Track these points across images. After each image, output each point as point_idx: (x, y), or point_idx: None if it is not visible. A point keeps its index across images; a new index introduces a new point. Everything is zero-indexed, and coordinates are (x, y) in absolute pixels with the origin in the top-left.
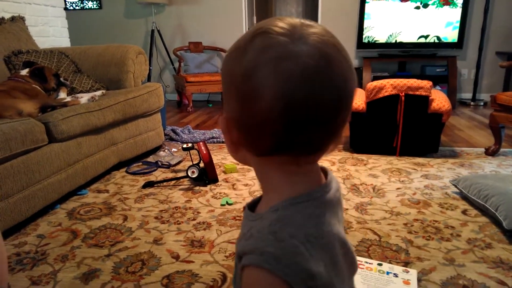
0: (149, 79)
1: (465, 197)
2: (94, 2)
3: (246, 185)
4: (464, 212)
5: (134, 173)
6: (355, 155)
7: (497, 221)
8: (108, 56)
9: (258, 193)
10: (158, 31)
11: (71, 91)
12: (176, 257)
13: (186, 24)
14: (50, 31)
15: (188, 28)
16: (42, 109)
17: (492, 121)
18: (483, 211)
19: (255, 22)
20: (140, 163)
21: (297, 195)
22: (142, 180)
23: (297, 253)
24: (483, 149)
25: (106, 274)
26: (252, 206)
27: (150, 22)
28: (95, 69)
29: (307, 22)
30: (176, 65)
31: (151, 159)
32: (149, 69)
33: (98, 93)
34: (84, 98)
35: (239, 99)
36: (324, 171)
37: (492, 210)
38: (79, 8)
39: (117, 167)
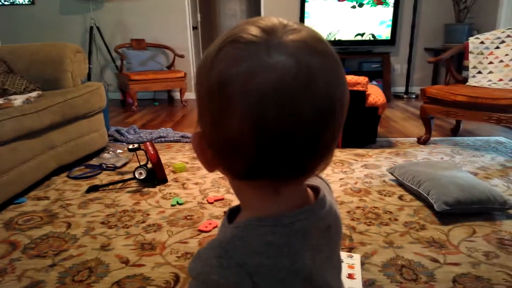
0: (89, 78)
1: (401, 184)
2: None
3: (196, 183)
4: (400, 197)
5: (76, 178)
6: None
7: (429, 205)
8: (43, 55)
9: (209, 191)
10: (97, 28)
11: (3, 93)
12: (126, 262)
13: (127, 21)
14: None
15: (130, 24)
16: None
17: (422, 113)
18: (417, 196)
19: (199, 19)
20: (83, 167)
21: (264, 217)
22: (85, 184)
23: (241, 284)
24: (415, 139)
25: (51, 285)
26: (234, 212)
27: (88, 18)
28: (29, 69)
29: (291, 24)
30: (118, 63)
31: (94, 162)
32: (89, 68)
33: (34, 94)
34: (18, 100)
35: (209, 116)
36: (317, 191)
37: (425, 195)
38: (9, 3)
39: (57, 172)
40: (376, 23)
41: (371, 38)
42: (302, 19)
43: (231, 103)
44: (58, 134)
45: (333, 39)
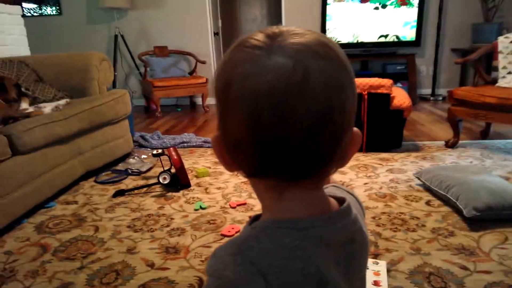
0: (114, 86)
1: (428, 189)
2: (53, 8)
3: (219, 188)
4: (427, 203)
5: (103, 182)
6: None
7: (458, 210)
8: (71, 64)
9: (231, 196)
10: (122, 36)
11: (34, 101)
12: (151, 265)
13: (150, 28)
14: (8, 40)
15: (153, 32)
16: (4, 121)
17: (450, 115)
18: (445, 201)
19: (220, 25)
20: (109, 172)
21: (282, 220)
22: (112, 189)
23: (253, 282)
24: (443, 142)
25: (80, 287)
26: (257, 218)
27: (113, 27)
28: (58, 78)
29: (297, 30)
30: (142, 70)
31: (120, 167)
32: (114, 75)
33: (62, 102)
34: (47, 108)
35: (218, 117)
36: (342, 203)
37: (453, 200)
38: (38, 14)
39: (85, 177)
40: (400, 24)
41: (395, 40)
42: (323, 22)
43: (232, 105)
44: (85, 140)
45: (356, 41)
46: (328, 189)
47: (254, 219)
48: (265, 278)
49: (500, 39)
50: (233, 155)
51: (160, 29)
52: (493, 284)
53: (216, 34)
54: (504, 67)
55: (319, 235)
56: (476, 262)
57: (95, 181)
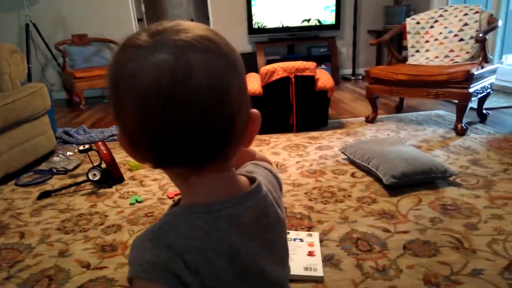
0: (30, 79)
1: (352, 162)
2: None
3: (155, 180)
4: (352, 175)
5: (25, 185)
6: (258, 136)
7: (378, 179)
8: None
9: (168, 186)
10: (34, 24)
11: None
12: (87, 266)
13: (67, 16)
14: None
15: (70, 19)
16: None
17: (368, 93)
18: (368, 172)
19: (143, 10)
20: (31, 173)
21: (195, 204)
22: (36, 191)
23: (172, 261)
24: (364, 118)
25: None
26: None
27: (22, 15)
28: None
29: (181, 26)
30: (60, 60)
31: (43, 166)
32: (28, 68)
33: None
34: None
35: (112, 114)
36: (253, 181)
37: (374, 170)
38: None
39: (4, 180)
40: (321, 9)
41: (317, 23)
42: (249, 7)
43: (122, 103)
44: (1, 141)
45: (281, 25)
46: (247, 167)
47: (175, 204)
48: (183, 258)
49: (408, 20)
50: (135, 148)
51: (78, 16)
52: (410, 242)
53: (140, 20)
54: (413, 46)
55: (231, 215)
56: (396, 224)
57: (16, 184)
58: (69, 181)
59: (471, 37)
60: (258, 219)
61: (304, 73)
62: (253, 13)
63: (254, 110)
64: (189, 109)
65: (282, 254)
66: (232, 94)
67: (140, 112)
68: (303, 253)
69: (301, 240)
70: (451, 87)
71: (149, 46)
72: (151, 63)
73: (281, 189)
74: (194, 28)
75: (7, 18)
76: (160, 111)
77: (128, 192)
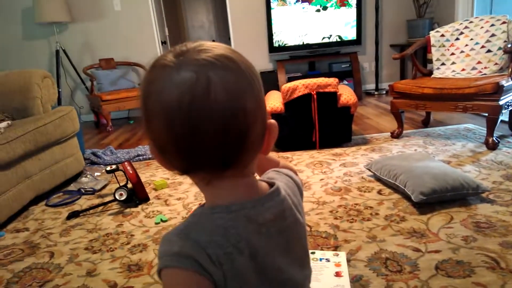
0: (59, 103)
1: (378, 179)
2: None
3: (179, 199)
4: (379, 192)
5: (55, 205)
6: (281, 153)
7: (407, 196)
8: (9, 84)
9: (192, 205)
10: (64, 50)
11: None
12: (114, 286)
13: (94, 41)
14: None
15: (97, 44)
16: None
17: (393, 108)
18: (395, 189)
19: (167, 33)
20: (61, 194)
21: (217, 205)
22: (65, 211)
23: (197, 253)
24: (389, 133)
25: None
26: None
27: (53, 42)
28: None
29: (204, 46)
30: (88, 84)
31: (72, 187)
32: (58, 92)
33: (3, 124)
34: None
35: (144, 125)
36: (273, 186)
37: (402, 187)
38: None
39: (35, 201)
40: (341, 25)
41: (338, 40)
42: (269, 26)
43: (151, 116)
44: (33, 163)
45: (301, 43)
46: (268, 174)
47: (200, 207)
48: (206, 251)
49: (432, 33)
50: (164, 156)
51: (105, 41)
52: (443, 262)
53: (163, 43)
54: (438, 59)
55: (249, 215)
56: (427, 243)
57: (46, 205)
58: (97, 201)
59: (499, 48)
60: (275, 221)
61: (326, 90)
62: (273, 31)
63: (271, 121)
64: (208, 122)
65: (301, 255)
66: (248, 108)
67: (166, 126)
68: (330, 274)
69: (328, 260)
70: (480, 99)
71: (173, 66)
72: (175, 81)
73: (301, 194)
74: (215, 48)
75: (39, 45)
76: (182, 124)
77: (153, 211)
